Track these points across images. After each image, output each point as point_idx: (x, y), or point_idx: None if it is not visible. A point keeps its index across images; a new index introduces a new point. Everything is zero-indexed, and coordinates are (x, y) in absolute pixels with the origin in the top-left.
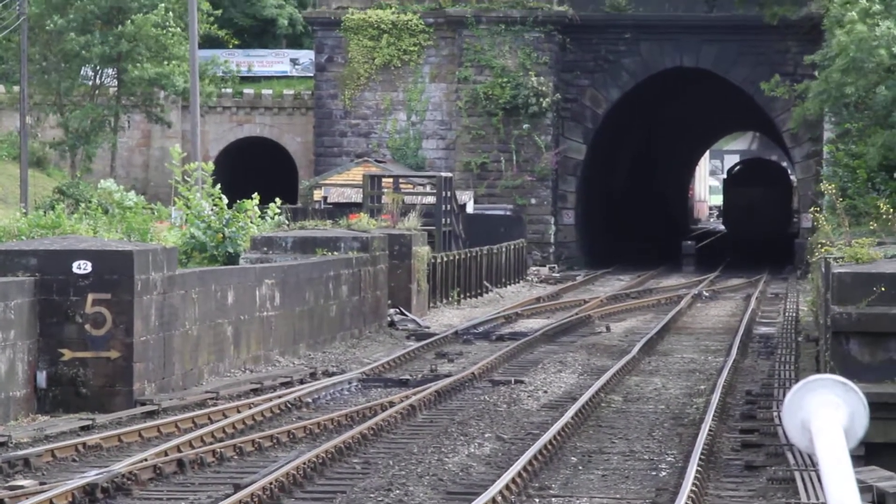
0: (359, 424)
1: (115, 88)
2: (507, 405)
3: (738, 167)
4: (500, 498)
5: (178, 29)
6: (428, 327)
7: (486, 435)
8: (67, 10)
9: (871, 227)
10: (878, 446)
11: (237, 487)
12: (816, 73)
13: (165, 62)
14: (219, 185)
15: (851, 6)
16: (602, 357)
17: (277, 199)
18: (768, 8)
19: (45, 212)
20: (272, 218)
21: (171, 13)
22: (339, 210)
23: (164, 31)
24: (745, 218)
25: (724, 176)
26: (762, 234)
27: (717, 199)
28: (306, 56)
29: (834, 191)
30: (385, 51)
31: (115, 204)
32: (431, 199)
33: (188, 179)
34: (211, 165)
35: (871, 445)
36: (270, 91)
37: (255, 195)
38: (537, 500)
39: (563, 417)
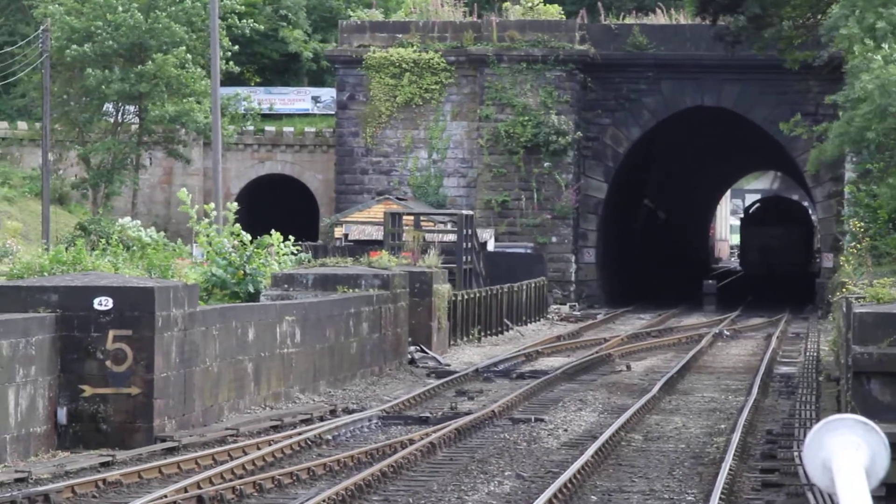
0: (378, 462)
1: (137, 126)
2: (527, 443)
3: (755, 206)
4: None
5: (198, 68)
6: (448, 365)
7: (506, 473)
8: (89, 43)
9: None
10: None
11: None
12: (840, 114)
13: (186, 99)
14: (238, 225)
15: (874, 53)
16: (622, 396)
17: (291, 237)
18: (789, 54)
19: (66, 248)
20: (280, 256)
21: (189, 55)
22: (360, 247)
23: (185, 71)
24: (764, 259)
25: (742, 215)
26: (781, 276)
27: (738, 239)
28: (328, 94)
29: (861, 228)
30: (406, 89)
31: (135, 241)
32: (452, 237)
33: (207, 218)
34: (235, 205)
35: (892, 486)
36: (292, 128)
37: (274, 232)
38: None
39: (583, 456)
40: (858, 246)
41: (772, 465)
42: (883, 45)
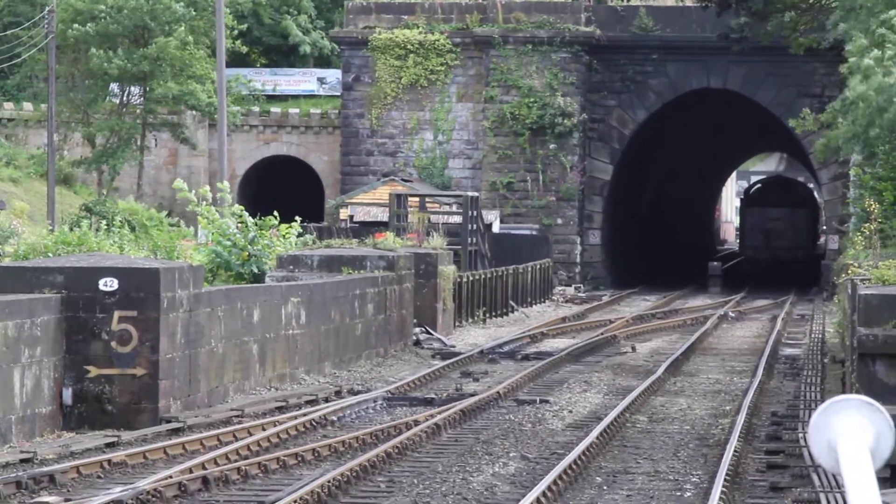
0: (384, 443)
1: (142, 106)
2: (532, 424)
3: (757, 186)
4: None
5: (200, 50)
6: (453, 346)
7: (511, 454)
8: (91, 23)
9: None
10: None
11: None
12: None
13: (189, 80)
14: (237, 205)
15: (867, 54)
16: (627, 377)
17: (298, 218)
18: (794, 40)
19: (70, 229)
20: (284, 237)
21: (190, 36)
22: (366, 229)
23: (187, 52)
24: (766, 242)
25: (742, 196)
26: (784, 261)
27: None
28: (333, 75)
29: (877, 209)
30: (412, 70)
31: (137, 220)
32: (457, 219)
33: (205, 200)
34: (226, 185)
35: None
36: (297, 110)
37: (275, 214)
38: None
39: (588, 437)
40: (866, 227)
41: (777, 446)
42: (880, 47)
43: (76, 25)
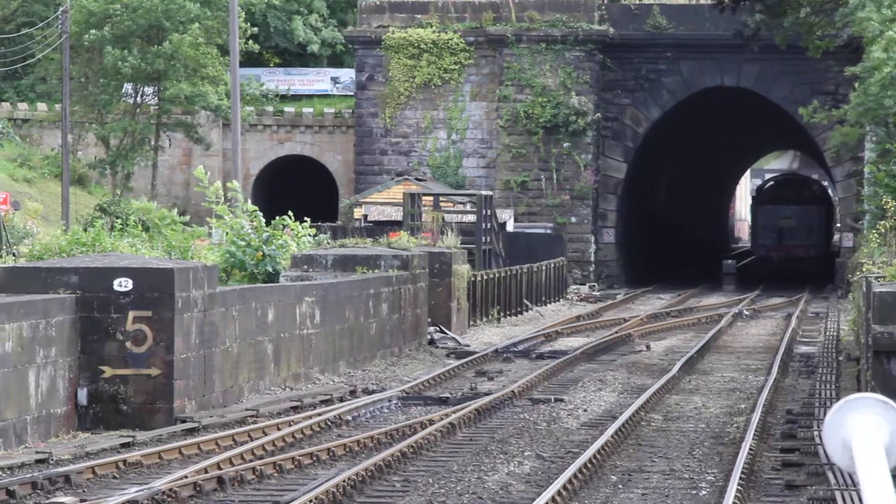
0: (398, 442)
1: (156, 107)
2: (547, 423)
3: (769, 184)
4: None
5: (215, 48)
6: (468, 345)
7: (526, 453)
8: (107, 25)
9: None
10: None
11: None
12: (856, 85)
13: (202, 80)
14: (248, 203)
15: (890, 24)
16: (642, 376)
17: (307, 219)
18: (811, 42)
19: (85, 229)
20: (298, 237)
21: (202, 38)
22: (380, 228)
23: (200, 51)
24: (778, 241)
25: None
26: (797, 259)
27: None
28: (347, 75)
29: (890, 205)
30: (425, 69)
31: (152, 222)
32: (471, 218)
33: (220, 199)
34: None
35: None
36: (311, 109)
37: (290, 213)
38: None
39: (603, 436)
40: (881, 225)
41: (792, 444)
42: None
43: (93, 31)
